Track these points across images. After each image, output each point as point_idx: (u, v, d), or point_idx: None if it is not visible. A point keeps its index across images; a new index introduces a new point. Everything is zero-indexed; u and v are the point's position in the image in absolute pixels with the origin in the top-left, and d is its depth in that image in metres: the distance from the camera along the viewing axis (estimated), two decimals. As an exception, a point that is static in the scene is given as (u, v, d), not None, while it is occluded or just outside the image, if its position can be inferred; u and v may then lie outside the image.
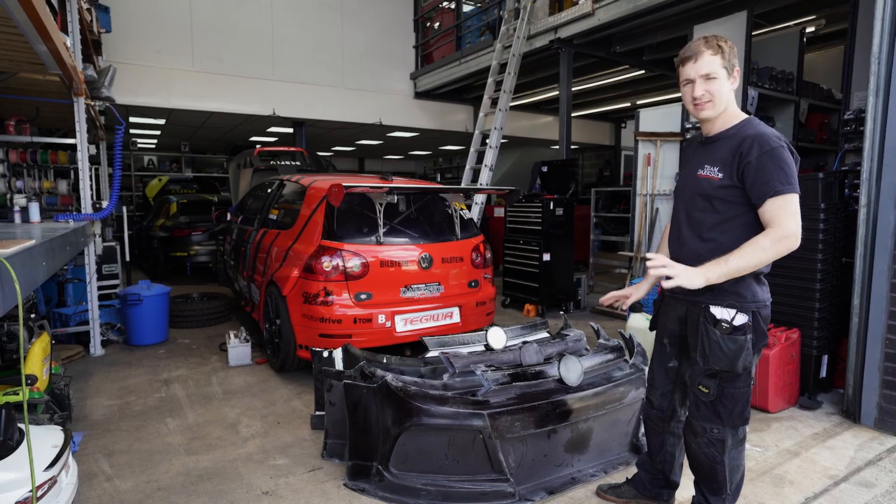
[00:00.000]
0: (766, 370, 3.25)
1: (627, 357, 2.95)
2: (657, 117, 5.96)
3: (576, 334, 3.20)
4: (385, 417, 2.51)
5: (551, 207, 6.02)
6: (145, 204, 11.50)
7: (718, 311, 1.89)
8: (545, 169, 6.72)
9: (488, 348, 3.23)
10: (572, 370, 2.63)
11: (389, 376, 2.55)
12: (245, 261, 5.05)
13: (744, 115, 1.95)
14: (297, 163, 7.28)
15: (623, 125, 13.44)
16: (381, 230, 3.90)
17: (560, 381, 2.61)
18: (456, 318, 4.18)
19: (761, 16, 6.01)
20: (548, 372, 2.68)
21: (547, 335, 3.53)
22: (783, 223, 1.77)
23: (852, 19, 4.50)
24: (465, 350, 3.15)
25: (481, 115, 7.79)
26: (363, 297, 3.84)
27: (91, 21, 5.51)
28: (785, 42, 5.66)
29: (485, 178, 7.39)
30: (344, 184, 3.53)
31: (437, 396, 2.44)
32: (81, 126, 4.46)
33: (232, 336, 4.55)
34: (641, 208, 6.09)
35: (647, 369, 2.97)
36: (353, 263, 3.82)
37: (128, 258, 6.03)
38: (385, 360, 3.02)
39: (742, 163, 1.84)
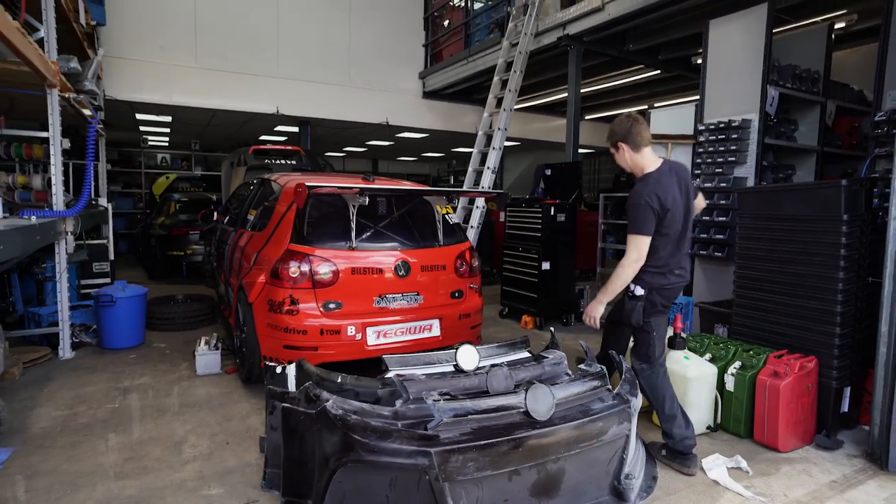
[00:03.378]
0: (776, 403, 2.84)
1: (610, 386, 2.58)
2: (669, 118, 5.55)
3: (556, 357, 2.84)
4: (322, 449, 2.20)
5: (552, 213, 5.65)
6: (152, 201, 11.45)
7: (630, 286, 2.81)
8: (549, 172, 6.35)
9: (458, 369, 2.90)
10: (541, 401, 2.29)
11: (330, 402, 2.24)
12: (223, 262, 4.81)
13: (648, 173, 2.78)
14: (293, 162, 7.06)
15: (641, 129, 12.93)
16: (354, 235, 3.59)
17: (527, 413, 2.27)
18: (435, 332, 3.85)
19: (786, 11, 5.56)
20: (514, 402, 2.33)
21: (527, 355, 3.18)
22: (627, 252, 2.73)
23: (886, 14, 4.05)
24: (430, 370, 2.82)
25: (485, 114, 7.46)
26: (332, 306, 3.54)
27: (78, 12, 5.36)
28: (811, 39, 5.19)
29: (487, 180, 7.06)
30: (308, 183, 3.24)
31: (378, 429, 2.12)
32: (55, 119, 4.27)
33: (202, 343, 4.30)
34: (650, 216, 5.68)
35: (634, 400, 2.61)
36: (322, 270, 3.52)
37: (111, 257, 5.85)
38: (339, 380, 2.71)
39: None
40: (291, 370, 2.83)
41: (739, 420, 3.02)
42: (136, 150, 13.42)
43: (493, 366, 2.60)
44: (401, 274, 3.71)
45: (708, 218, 4.77)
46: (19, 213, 4.07)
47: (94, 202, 7.49)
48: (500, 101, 7.32)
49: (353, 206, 3.55)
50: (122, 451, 2.87)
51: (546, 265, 5.68)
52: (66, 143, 4.36)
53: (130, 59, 8.00)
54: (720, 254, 4.67)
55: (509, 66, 7.27)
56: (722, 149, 4.72)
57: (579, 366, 2.76)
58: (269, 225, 3.96)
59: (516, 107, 10.72)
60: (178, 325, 5.42)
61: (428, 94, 10.36)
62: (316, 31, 9.29)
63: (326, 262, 3.53)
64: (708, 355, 3.18)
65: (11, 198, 4.63)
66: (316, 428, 2.23)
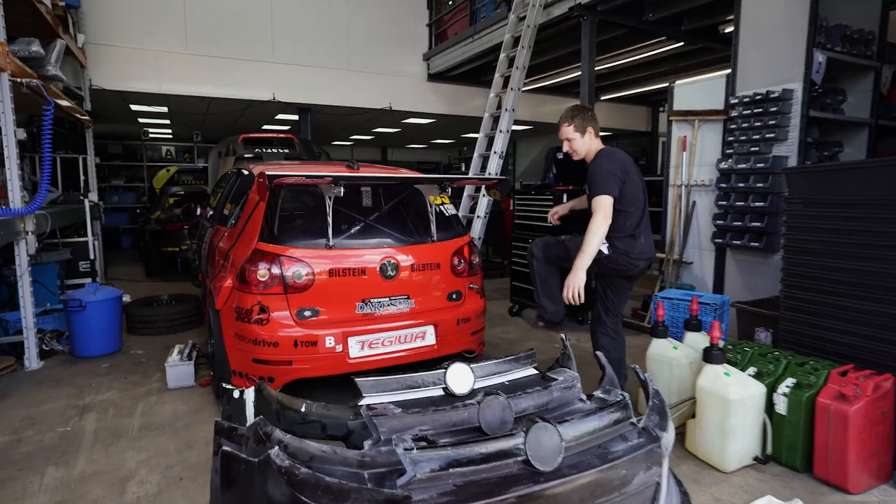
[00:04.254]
0: (845, 432, 2.30)
1: (634, 418, 2.07)
2: (695, 93, 4.94)
3: (567, 378, 2.34)
4: (265, 510, 1.74)
5: (564, 200, 5.10)
6: (153, 195, 11.14)
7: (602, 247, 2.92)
8: (561, 156, 5.77)
9: (448, 393, 2.42)
10: (546, 445, 1.78)
11: (275, 450, 1.78)
12: (201, 261, 4.39)
13: (598, 151, 3.05)
14: (286, 151, 6.60)
15: (661, 108, 12.20)
16: (331, 231, 3.11)
17: (528, 462, 1.77)
18: (430, 340, 3.37)
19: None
20: (511, 446, 1.84)
21: (534, 372, 2.68)
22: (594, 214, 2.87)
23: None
24: (411, 396, 2.35)
25: (491, 95, 6.90)
26: (307, 314, 3.08)
27: (42, -9, 4.91)
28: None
29: (494, 166, 6.53)
30: (270, 172, 2.76)
31: (332, 488, 1.64)
32: (6, 107, 3.86)
33: (175, 352, 3.89)
34: (675, 201, 5.10)
35: (665, 436, 2.10)
36: (295, 272, 3.06)
37: (91, 255, 5.48)
38: (304, 409, 2.25)
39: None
40: (250, 395, 2.37)
41: (794, 449, 2.49)
42: (138, 144, 13.10)
43: (487, 394, 2.10)
44: (387, 275, 3.23)
45: (742, 203, 4.19)
46: (-31, 213, 3.68)
47: (82, 197, 7.14)
48: (507, 81, 6.75)
49: (329, 199, 3.06)
50: (55, 492, 2.46)
51: (558, 258, 5.14)
52: (22, 134, 3.95)
53: (117, 47, 7.58)
54: (757, 244, 4.09)
55: (517, 42, 6.68)
56: (758, 124, 4.12)
57: (595, 393, 2.25)
58: (239, 221, 3.51)
59: (526, 88, 10.12)
60: (160, 328, 5.03)
61: (433, 77, 9.80)
62: (312, 12, 8.78)
63: (299, 262, 3.06)
64: (752, 369, 2.64)
65: (-30, 195, 4.24)
66: (259, 481, 1.77)
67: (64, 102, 5.83)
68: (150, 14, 7.73)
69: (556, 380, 2.35)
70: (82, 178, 7.42)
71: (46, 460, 2.74)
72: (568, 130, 3.05)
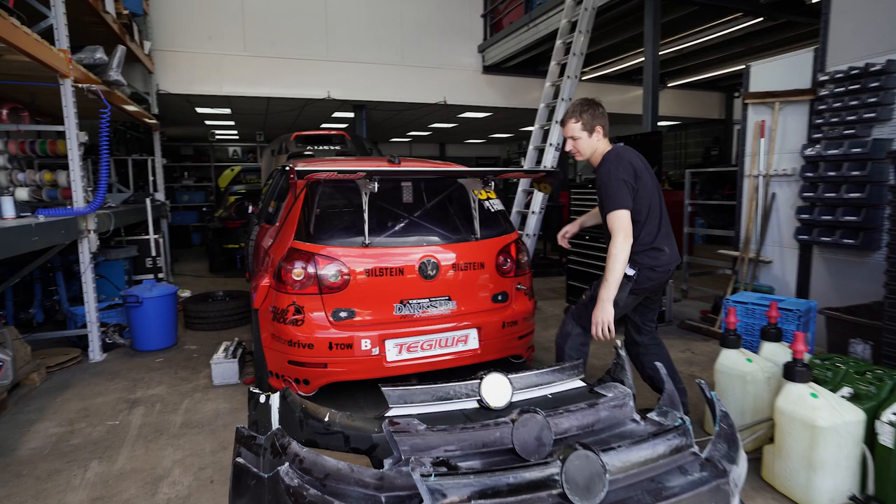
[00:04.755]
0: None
1: (696, 447, 1.78)
2: (776, 72, 4.41)
3: (618, 395, 2.06)
4: (274, 532, 1.61)
5: (625, 194, 4.73)
6: (218, 194, 11.61)
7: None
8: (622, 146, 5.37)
9: (483, 406, 2.21)
10: (587, 478, 1.54)
11: (285, 467, 1.64)
12: (248, 259, 4.41)
13: (604, 154, 2.65)
14: (338, 147, 6.59)
15: (736, 94, 11.29)
16: (368, 228, 2.98)
17: (565, 496, 1.54)
18: (472, 344, 3.16)
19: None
20: (545, 476, 1.60)
21: (581, 385, 2.42)
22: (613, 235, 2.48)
23: None
24: (442, 409, 2.16)
25: (547, 84, 6.56)
26: (343, 315, 2.96)
27: (104, 0, 5.12)
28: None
29: (550, 158, 6.21)
30: (298, 167, 2.65)
31: (341, 515, 1.49)
32: (69, 111, 4.01)
33: (221, 349, 3.91)
34: (751, 193, 4.60)
35: (735, 470, 1.79)
36: (330, 272, 2.94)
37: (154, 252, 5.70)
38: (327, 419, 2.12)
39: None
40: (275, 401, 2.27)
41: (900, 489, 2.08)
42: (207, 145, 13.72)
43: (523, 411, 1.87)
44: (427, 274, 3.06)
45: (833, 195, 3.68)
46: (36, 212, 3.86)
47: (150, 197, 7.49)
48: (563, 69, 6.40)
49: (366, 195, 2.92)
50: (94, 488, 2.47)
51: (618, 257, 4.77)
52: (84, 137, 4.10)
53: (181, 52, 7.89)
54: (852, 241, 3.58)
55: (574, 27, 6.31)
56: (854, 103, 3.60)
57: (649, 415, 1.97)
58: (279, 218, 3.45)
59: (586, 77, 9.67)
60: (214, 324, 5.14)
61: (488, 69, 9.54)
62: (366, 8, 8.76)
63: (335, 261, 2.95)
64: (846, 390, 2.24)
65: (39, 196, 4.47)
66: (268, 498, 1.65)
67: (131, 107, 6.11)
68: (212, 19, 7.98)
69: (604, 396, 2.09)
70: (151, 178, 7.79)
71: (92, 454, 2.79)
72: (575, 128, 2.62)
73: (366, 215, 2.95)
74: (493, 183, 3.18)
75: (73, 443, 2.93)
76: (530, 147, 6.70)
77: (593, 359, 4.23)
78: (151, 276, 6.57)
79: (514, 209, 6.77)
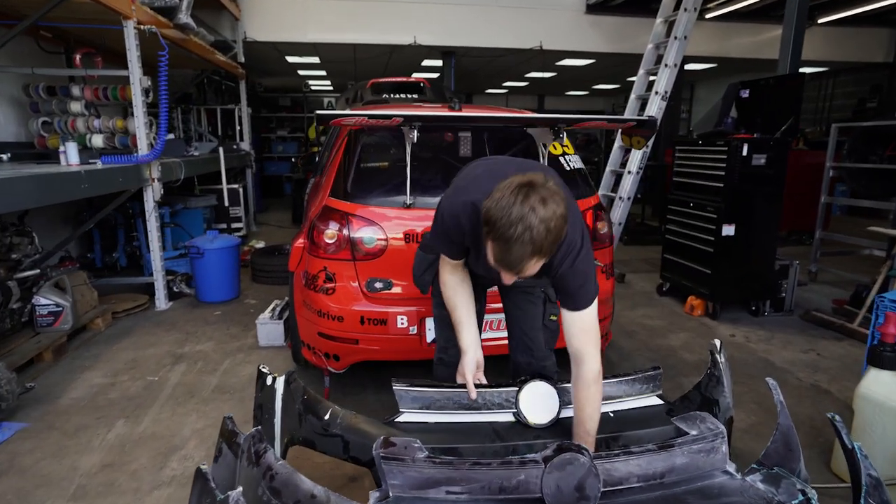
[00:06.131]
0: None
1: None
2: None
3: (706, 432, 1.47)
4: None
5: (745, 153, 3.82)
6: (307, 145, 11.72)
7: None
8: (745, 94, 4.36)
9: (520, 421, 1.74)
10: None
11: (235, 494, 1.29)
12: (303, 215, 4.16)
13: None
14: (415, 96, 6.12)
15: (908, 30, 9.11)
16: (410, 186, 2.51)
17: None
18: (530, 329, 2.64)
19: None
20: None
21: (656, 402, 1.85)
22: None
23: None
24: (467, 419, 1.72)
25: (658, 20, 5.57)
26: (378, 286, 2.57)
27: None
28: None
29: (654, 110, 5.31)
30: (319, 112, 2.21)
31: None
32: (132, 54, 3.90)
33: (269, 309, 3.74)
34: (926, 157, 3.49)
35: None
36: (365, 235, 2.54)
37: (226, 202, 5.71)
38: (328, 416, 1.76)
39: None
40: (280, 386, 1.94)
41: None
42: (299, 96, 13.88)
43: (561, 449, 1.35)
44: (478, 244, 2.55)
45: None
46: (101, 159, 3.86)
47: (235, 146, 7.59)
48: (680, 2, 5.35)
49: (408, 146, 2.44)
50: (109, 453, 2.35)
51: (729, 229, 3.92)
52: (146, 82, 3.98)
53: (269, -1, 7.73)
54: None
55: (698, -55, 5.20)
56: None
57: (749, 476, 1.37)
58: (323, 172, 3.10)
59: (710, 14, 8.23)
60: (278, 278, 5.03)
61: (592, 8, 8.43)
62: (456, -59, 8.01)
63: (371, 224, 2.54)
64: None
65: (113, 143, 4.51)
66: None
67: (210, 55, 6.03)
68: (299, -38, 7.69)
69: (686, 434, 1.51)
70: (237, 127, 7.88)
71: (122, 412, 2.71)
72: (538, 265, 1.43)
73: (408, 170, 2.48)
74: (563, 134, 2.55)
75: (110, 396, 2.88)
76: (632, 96, 5.81)
77: (684, 352, 3.54)
78: (235, 224, 6.72)
79: (608, 168, 5.97)
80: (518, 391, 1.74)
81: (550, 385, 1.75)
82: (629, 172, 5.45)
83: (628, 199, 5.47)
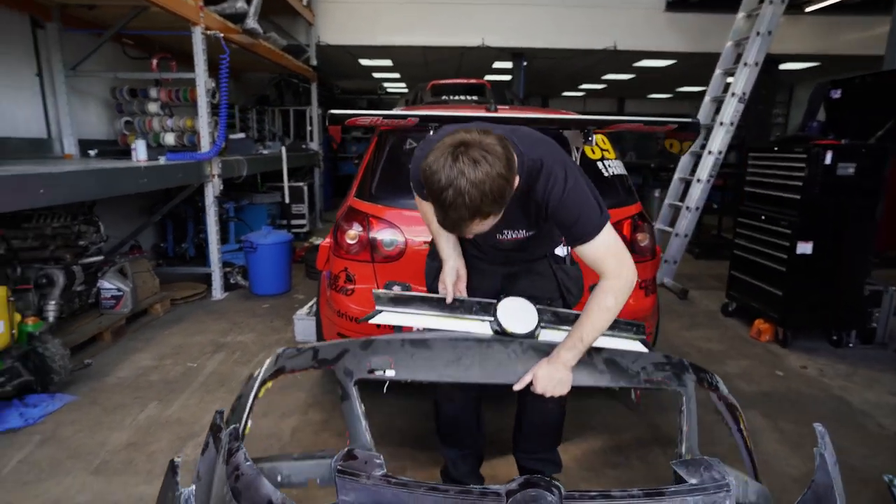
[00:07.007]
0: None
1: None
2: None
3: (708, 482, 1.26)
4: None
5: (828, 161, 3.38)
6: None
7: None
8: (837, 94, 3.88)
9: (501, 331, 1.67)
10: None
11: (187, 490, 1.29)
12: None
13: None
14: (475, 98, 6.04)
15: None
16: (432, 189, 2.43)
17: None
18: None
19: None
20: None
21: (640, 349, 1.81)
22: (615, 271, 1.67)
23: None
24: (447, 325, 1.74)
25: (740, 15, 5.14)
26: (396, 289, 2.50)
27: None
28: None
29: (730, 114, 4.88)
30: (333, 111, 2.19)
31: None
32: (199, 58, 4.15)
33: (307, 305, 3.80)
34: None
35: None
36: (385, 237, 2.50)
37: (286, 200, 5.93)
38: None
39: None
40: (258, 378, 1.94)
41: None
42: (374, 97, 14.26)
43: (529, 483, 1.21)
44: (501, 252, 2.42)
45: None
46: (166, 156, 4.12)
47: (304, 146, 7.90)
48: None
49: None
50: (136, 432, 2.48)
51: (805, 247, 3.50)
52: (210, 84, 4.22)
53: (340, 3, 7.97)
54: None
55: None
56: None
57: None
58: (357, 172, 3.10)
59: (811, 8, 7.46)
60: (329, 275, 5.15)
61: (672, 5, 7.94)
62: (527, -61, 7.84)
63: (390, 226, 2.49)
64: None
65: (182, 141, 4.82)
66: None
67: (280, 60, 6.29)
68: (370, -35, 7.87)
69: (683, 482, 1.31)
70: (308, 128, 8.19)
71: (157, 394, 2.85)
72: (483, 223, 1.36)
73: (429, 173, 2.40)
74: (593, 138, 2.35)
75: (151, 378, 3.05)
76: (706, 98, 5.41)
77: (741, 381, 3.18)
78: (298, 221, 6.98)
79: (676, 175, 5.57)
80: (497, 302, 1.66)
81: (529, 304, 1.66)
82: (698, 181, 5.05)
83: (696, 209, 5.05)
